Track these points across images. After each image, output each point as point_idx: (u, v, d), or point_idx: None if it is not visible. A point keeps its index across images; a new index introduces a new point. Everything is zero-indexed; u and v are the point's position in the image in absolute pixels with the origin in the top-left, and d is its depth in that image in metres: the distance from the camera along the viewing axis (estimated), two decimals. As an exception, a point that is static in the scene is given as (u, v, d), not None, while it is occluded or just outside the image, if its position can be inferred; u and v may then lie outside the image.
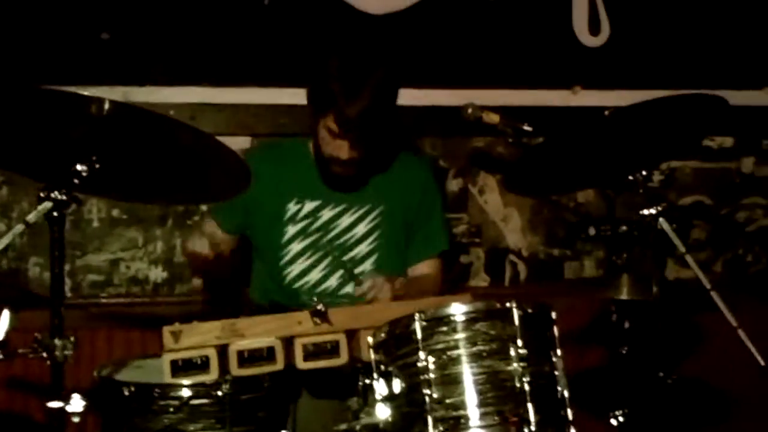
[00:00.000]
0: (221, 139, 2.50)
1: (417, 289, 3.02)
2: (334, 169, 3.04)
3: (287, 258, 3.14)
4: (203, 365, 2.48)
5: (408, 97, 3.61)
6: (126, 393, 2.52)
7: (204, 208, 3.58)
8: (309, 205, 3.14)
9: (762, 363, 2.53)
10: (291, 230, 3.14)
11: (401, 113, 3.55)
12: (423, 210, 3.23)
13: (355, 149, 2.94)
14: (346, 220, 3.14)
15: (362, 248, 3.14)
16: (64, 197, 2.32)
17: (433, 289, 3.16)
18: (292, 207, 3.14)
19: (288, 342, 2.54)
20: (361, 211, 3.15)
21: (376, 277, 2.92)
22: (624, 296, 2.90)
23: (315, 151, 3.08)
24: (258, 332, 2.52)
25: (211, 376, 2.48)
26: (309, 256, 3.13)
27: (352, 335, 2.57)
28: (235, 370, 2.49)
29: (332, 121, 2.90)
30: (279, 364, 2.52)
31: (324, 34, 3.62)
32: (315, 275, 3.13)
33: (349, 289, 3.09)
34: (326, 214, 3.14)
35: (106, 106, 2.29)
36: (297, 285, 3.12)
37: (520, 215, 3.88)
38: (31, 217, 2.30)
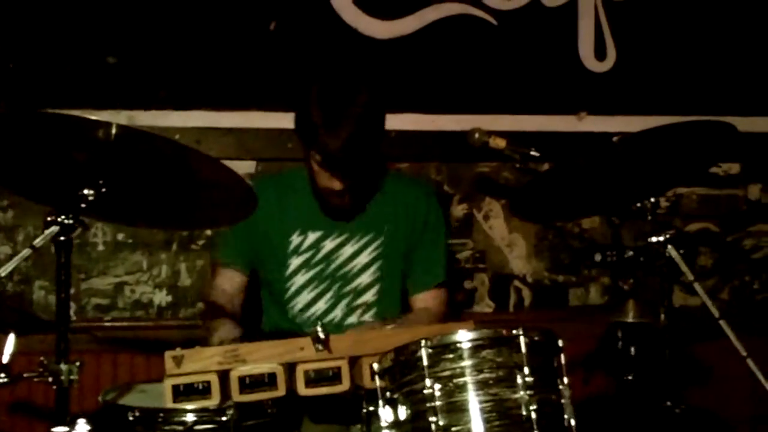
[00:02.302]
0: (226, 163, 2.51)
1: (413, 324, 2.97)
2: (331, 201, 3.04)
3: (293, 290, 3.14)
4: (205, 390, 2.47)
5: (413, 122, 3.65)
6: (130, 418, 2.52)
7: (208, 232, 3.60)
8: (312, 236, 3.13)
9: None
10: (295, 262, 3.13)
11: (407, 138, 3.59)
12: (425, 238, 3.20)
13: (345, 180, 2.93)
14: (348, 250, 3.13)
15: (364, 278, 3.14)
16: (71, 221, 2.32)
17: (430, 323, 3.07)
18: (295, 239, 3.13)
19: (290, 368, 2.52)
20: (362, 241, 3.14)
21: (359, 331, 2.88)
22: (630, 320, 2.89)
23: (311, 183, 3.07)
24: (260, 358, 2.51)
25: (213, 401, 2.47)
26: (314, 287, 3.13)
27: (354, 362, 2.55)
28: (237, 396, 2.48)
29: (318, 155, 2.90)
30: (280, 391, 2.50)
31: (329, 58, 3.63)
32: (321, 306, 3.13)
33: (353, 319, 3.10)
34: (328, 244, 3.13)
35: (113, 130, 2.29)
36: (304, 316, 3.12)
37: (525, 241, 3.87)
38: (38, 242, 2.30)
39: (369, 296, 3.13)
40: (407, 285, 3.20)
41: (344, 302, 3.12)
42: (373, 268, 3.14)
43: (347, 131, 2.84)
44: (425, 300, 3.19)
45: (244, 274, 3.19)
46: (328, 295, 3.13)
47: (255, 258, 3.18)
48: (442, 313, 3.20)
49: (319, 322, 2.55)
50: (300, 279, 3.13)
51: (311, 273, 3.13)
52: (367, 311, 3.13)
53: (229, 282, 3.18)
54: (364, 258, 3.13)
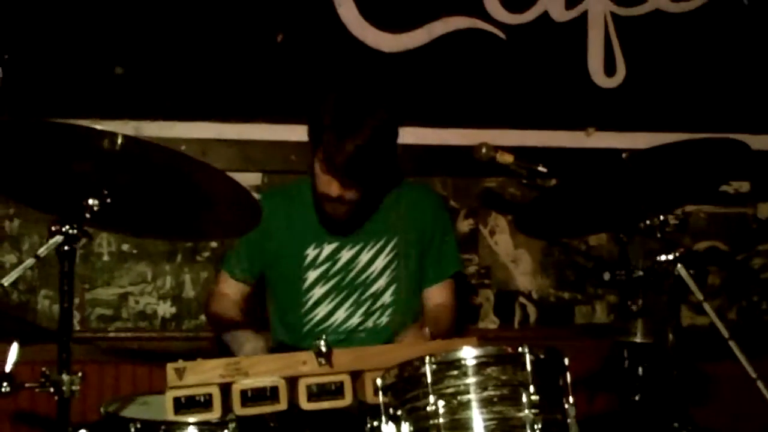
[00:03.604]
0: (232, 174, 2.50)
1: (437, 325, 3.02)
2: (326, 208, 3.04)
3: (311, 303, 3.14)
4: (206, 403, 2.45)
5: (419, 136, 3.64)
6: (132, 430, 2.50)
7: (213, 244, 3.59)
8: (328, 248, 3.14)
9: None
10: (312, 275, 3.14)
11: (413, 152, 3.57)
12: (436, 235, 3.23)
13: (345, 188, 2.93)
14: (364, 258, 3.15)
15: (381, 282, 3.15)
16: (75, 231, 2.31)
17: (450, 318, 3.19)
18: (311, 252, 3.14)
19: (292, 382, 2.51)
20: (377, 246, 3.16)
21: (412, 333, 2.89)
22: (638, 340, 2.86)
23: (312, 188, 3.08)
24: (262, 371, 2.49)
25: (214, 414, 2.46)
26: (333, 298, 3.14)
27: (356, 377, 2.54)
28: (238, 410, 2.47)
29: (322, 157, 2.90)
30: (282, 404, 2.49)
31: (336, 71, 3.62)
32: (340, 315, 3.14)
33: (370, 323, 3.12)
34: (345, 254, 3.14)
35: (119, 140, 2.29)
36: (322, 327, 3.12)
37: (530, 257, 3.85)
38: (42, 251, 2.30)
39: (386, 297, 3.15)
40: (422, 280, 3.22)
41: (363, 308, 3.13)
42: (389, 271, 3.15)
43: (357, 143, 2.85)
44: (437, 291, 3.22)
45: (248, 286, 3.20)
46: (347, 304, 3.14)
47: (265, 274, 3.19)
48: (453, 305, 3.24)
49: (323, 336, 2.54)
50: (318, 291, 3.14)
51: (330, 284, 3.14)
52: (384, 312, 3.14)
53: (233, 292, 3.19)
54: (380, 262, 3.15)
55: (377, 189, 3.12)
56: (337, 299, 3.13)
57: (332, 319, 3.13)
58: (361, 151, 2.86)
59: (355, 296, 3.14)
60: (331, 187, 2.94)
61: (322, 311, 3.13)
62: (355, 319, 3.14)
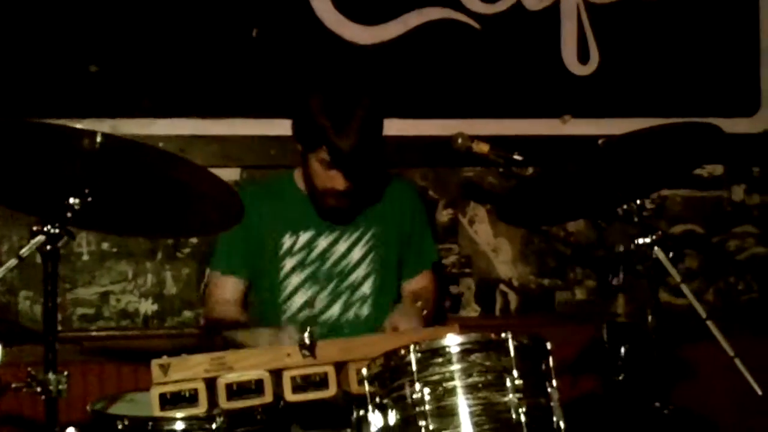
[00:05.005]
0: (211, 170, 2.51)
1: (425, 302, 3.08)
2: (328, 202, 3.07)
3: (288, 291, 3.16)
4: (192, 398, 2.46)
5: (397, 127, 3.64)
6: (119, 427, 2.50)
7: (194, 240, 3.59)
8: (304, 237, 3.16)
9: (760, 392, 2.51)
10: (289, 263, 3.16)
11: (392, 144, 3.58)
12: (415, 229, 3.29)
13: (350, 180, 2.96)
14: (341, 247, 3.17)
15: (359, 272, 3.18)
16: (57, 231, 2.31)
17: (431, 299, 3.23)
18: (287, 240, 3.16)
19: (277, 375, 2.53)
20: (354, 236, 3.18)
21: (400, 317, 2.94)
22: (620, 311, 2.89)
23: (307, 186, 3.11)
24: (246, 365, 2.50)
25: (200, 409, 2.47)
26: (309, 286, 3.16)
27: (340, 368, 2.56)
28: (224, 403, 2.48)
29: (325, 154, 2.93)
30: (268, 397, 2.50)
31: (312, 65, 3.63)
32: (317, 305, 3.16)
33: (350, 314, 3.14)
34: (321, 243, 3.16)
35: (98, 139, 2.29)
36: (300, 316, 3.13)
37: (510, 245, 3.87)
38: (24, 252, 2.29)
39: (365, 288, 3.18)
40: (402, 271, 3.26)
41: (342, 299, 3.16)
42: (367, 261, 3.18)
43: (355, 133, 2.90)
44: (418, 281, 3.28)
45: (245, 281, 3.21)
46: (324, 294, 3.16)
47: (252, 264, 3.19)
48: (433, 292, 3.30)
49: (308, 328, 2.56)
50: (295, 279, 3.16)
51: (306, 273, 3.16)
52: (364, 303, 3.17)
53: (231, 291, 3.20)
54: (357, 252, 3.18)
55: (375, 176, 3.17)
56: (314, 288, 3.15)
57: (309, 309, 3.15)
58: (361, 139, 2.91)
59: (331, 286, 3.16)
60: (336, 181, 2.97)
61: (298, 300, 3.15)
62: (335, 310, 3.16)
